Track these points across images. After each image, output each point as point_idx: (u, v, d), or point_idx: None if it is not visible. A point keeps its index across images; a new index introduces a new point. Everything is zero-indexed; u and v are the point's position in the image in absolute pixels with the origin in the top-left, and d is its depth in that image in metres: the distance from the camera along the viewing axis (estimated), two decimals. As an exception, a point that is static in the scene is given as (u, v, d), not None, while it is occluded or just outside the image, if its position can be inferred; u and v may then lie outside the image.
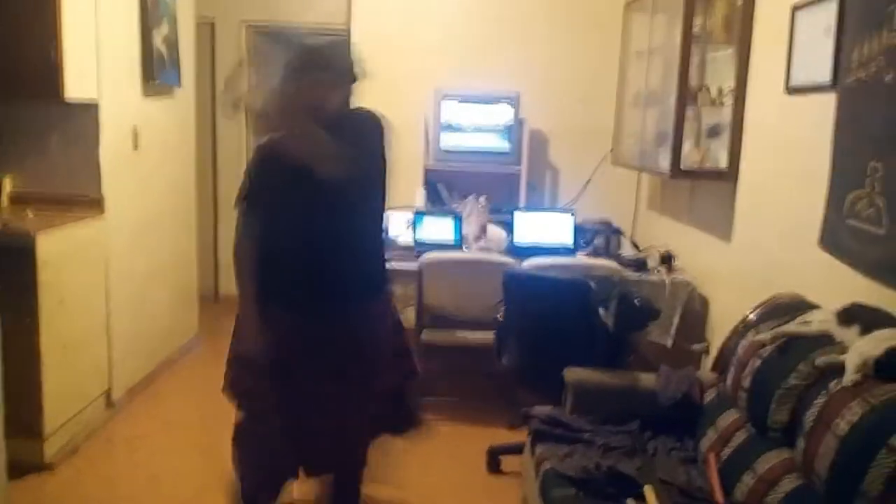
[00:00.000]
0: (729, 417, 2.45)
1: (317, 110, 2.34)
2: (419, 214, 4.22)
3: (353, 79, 2.48)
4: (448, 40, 5.19)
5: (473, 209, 4.34)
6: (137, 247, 4.08)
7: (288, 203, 2.41)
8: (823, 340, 2.16)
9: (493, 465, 3.43)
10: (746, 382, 2.35)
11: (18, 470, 3.01)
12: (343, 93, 2.46)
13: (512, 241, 4.21)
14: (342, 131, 2.31)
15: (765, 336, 2.35)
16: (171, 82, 4.41)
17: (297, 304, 2.44)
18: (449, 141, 4.87)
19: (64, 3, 3.26)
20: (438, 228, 4.18)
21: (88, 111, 3.60)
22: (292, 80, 2.36)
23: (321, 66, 2.42)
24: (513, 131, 4.86)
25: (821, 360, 2.05)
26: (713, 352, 3.25)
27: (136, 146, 4.04)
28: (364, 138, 2.41)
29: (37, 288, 3.13)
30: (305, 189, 2.31)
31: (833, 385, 1.95)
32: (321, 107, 2.37)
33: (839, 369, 1.95)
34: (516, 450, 3.17)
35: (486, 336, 3.69)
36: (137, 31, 4.00)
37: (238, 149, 5.88)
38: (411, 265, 3.86)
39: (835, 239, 2.58)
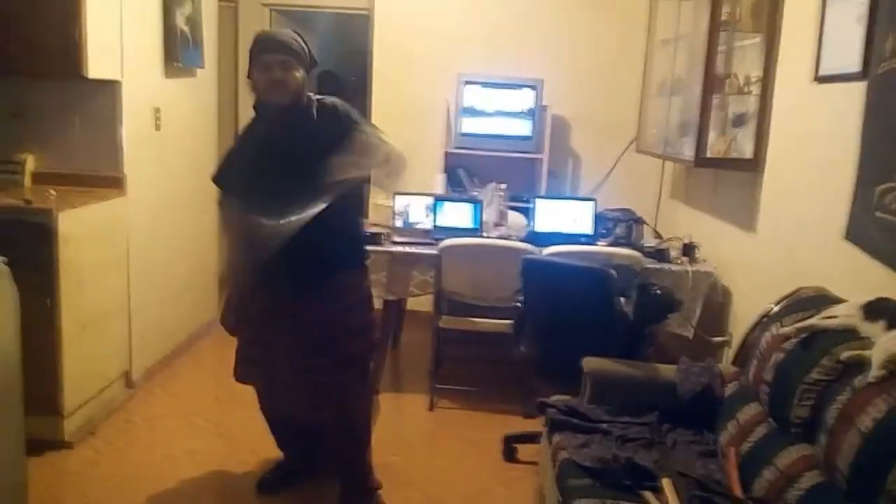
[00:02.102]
0: (750, 411, 2.42)
1: (274, 91, 2.54)
2: (439, 200, 4.20)
3: (312, 64, 2.65)
4: (471, 24, 5.14)
5: (494, 195, 4.31)
6: (158, 227, 4.10)
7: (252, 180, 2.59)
8: (848, 335, 2.11)
9: (509, 453, 3.42)
10: (768, 376, 2.32)
11: (38, 447, 3.05)
12: (301, 76, 2.58)
13: (532, 228, 4.18)
14: (305, 113, 2.58)
15: (788, 329, 2.31)
16: (193, 63, 4.40)
17: (270, 279, 2.61)
18: (470, 126, 4.83)
19: (87, -19, 3.26)
20: (458, 214, 4.15)
21: (110, 91, 3.61)
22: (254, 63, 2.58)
23: (273, 48, 2.56)
24: (535, 117, 4.82)
25: (845, 354, 2.02)
26: (735, 344, 3.22)
27: (157, 126, 4.04)
28: (328, 121, 2.58)
29: (58, 266, 3.14)
30: (267, 167, 2.55)
31: (857, 381, 1.91)
32: (281, 88, 2.54)
33: (864, 365, 1.91)
34: (533, 438, 3.16)
35: (504, 323, 3.68)
36: (160, 10, 3.99)
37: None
38: (430, 251, 3.85)
39: (862, 232, 2.53)
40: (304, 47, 2.60)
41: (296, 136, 2.58)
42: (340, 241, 2.68)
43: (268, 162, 2.58)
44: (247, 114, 5.94)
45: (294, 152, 2.54)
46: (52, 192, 3.40)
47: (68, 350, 3.22)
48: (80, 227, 3.30)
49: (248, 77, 2.62)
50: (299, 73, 2.56)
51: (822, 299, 2.48)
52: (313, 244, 2.45)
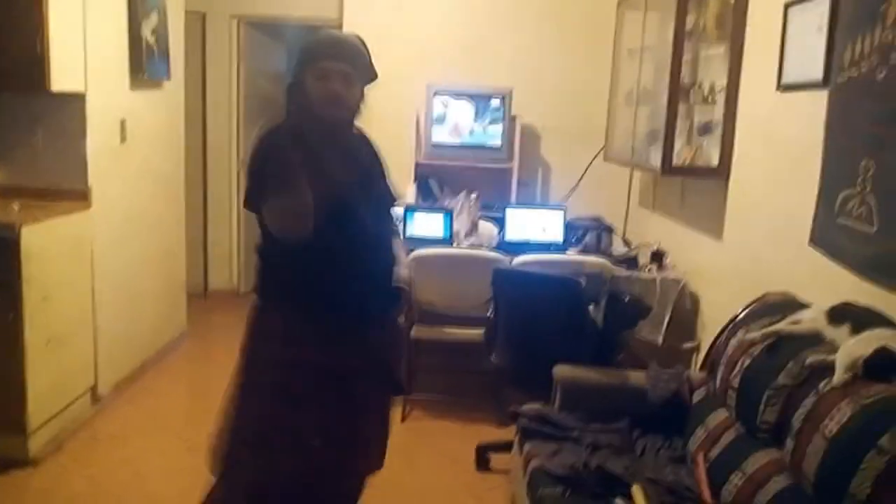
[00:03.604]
0: (718, 417, 2.44)
1: (332, 105, 2.14)
2: (409, 210, 4.19)
3: (372, 78, 2.30)
4: (440, 35, 5.16)
5: (465, 205, 4.32)
6: (124, 241, 4.04)
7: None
8: (813, 340, 2.14)
9: (483, 462, 3.42)
10: (735, 381, 2.34)
11: (2, 465, 3.01)
12: (360, 90, 2.23)
13: (503, 237, 4.19)
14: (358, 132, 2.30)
15: (754, 335, 2.34)
16: (159, 75, 4.37)
17: (343, 307, 2.20)
18: (440, 136, 4.84)
19: (50, -6, 3.23)
20: (429, 224, 4.15)
21: (75, 103, 3.56)
22: (306, 68, 2.15)
23: (335, 55, 2.17)
24: (504, 127, 4.84)
25: (810, 359, 2.04)
26: (703, 350, 3.24)
27: (123, 139, 4.00)
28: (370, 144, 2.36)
29: (21, 282, 3.09)
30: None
31: (823, 385, 1.93)
32: (341, 102, 2.15)
33: (829, 369, 1.94)
34: (505, 447, 3.16)
35: (476, 333, 3.68)
36: (125, 22, 3.95)
37: (229, 143, 5.85)
38: (401, 261, 3.83)
39: (826, 237, 2.57)
40: (368, 59, 2.28)
41: (359, 155, 2.30)
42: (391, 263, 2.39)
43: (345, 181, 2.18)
44: (217, 125, 5.90)
45: (361, 172, 2.26)
46: (16, 206, 3.34)
47: (32, 366, 3.17)
48: (44, 241, 3.25)
49: (294, 81, 2.18)
50: (360, 89, 2.22)
51: (788, 304, 2.51)
52: (387, 272, 2.32)
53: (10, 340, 3.09)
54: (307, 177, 2.00)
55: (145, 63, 4.10)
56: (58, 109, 3.56)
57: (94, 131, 3.66)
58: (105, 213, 3.78)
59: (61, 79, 3.33)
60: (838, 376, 1.88)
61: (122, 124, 3.98)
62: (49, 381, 3.31)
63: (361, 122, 2.34)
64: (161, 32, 4.31)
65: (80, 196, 3.62)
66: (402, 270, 2.40)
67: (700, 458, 2.35)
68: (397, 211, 4.01)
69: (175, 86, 4.67)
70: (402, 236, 3.28)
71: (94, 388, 3.76)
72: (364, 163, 2.30)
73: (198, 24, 5.57)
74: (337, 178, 2.11)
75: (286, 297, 2.21)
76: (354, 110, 2.23)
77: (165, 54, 4.39)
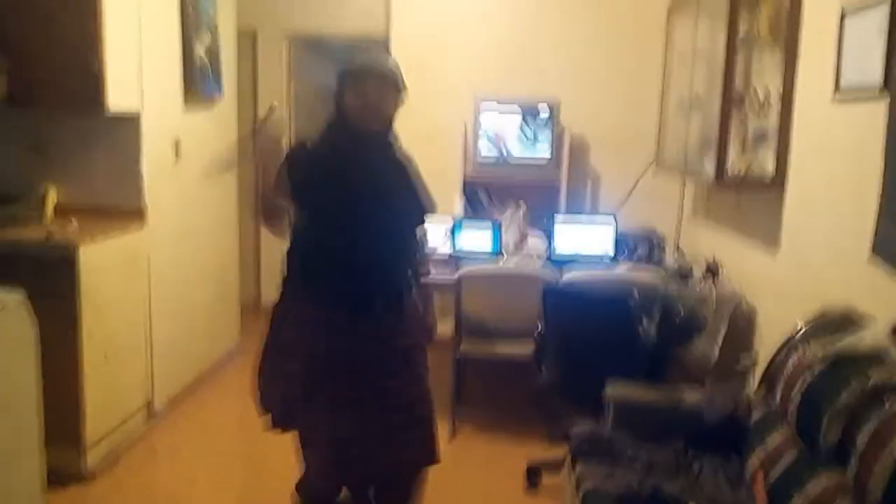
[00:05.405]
0: (778, 436, 2.36)
1: (368, 117, 2.50)
2: (458, 223, 4.18)
3: (403, 95, 2.60)
4: (487, 47, 5.15)
5: (513, 218, 4.29)
6: (179, 256, 4.12)
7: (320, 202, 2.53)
8: (877, 357, 2.06)
9: (533, 481, 3.37)
10: (796, 399, 2.26)
11: (59, 479, 3.05)
12: (393, 107, 2.57)
13: (552, 251, 4.14)
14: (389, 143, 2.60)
15: (815, 351, 2.26)
16: (212, 93, 4.44)
17: (329, 300, 2.53)
18: (487, 148, 4.82)
19: (106, 15, 3.31)
20: (477, 238, 4.13)
21: (131, 122, 3.65)
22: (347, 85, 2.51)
23: (372, 74, 2.53)
24: (553, 138, 4.80)
25: (875, 378, 1.96)
26: (761, 366, 3.15)
27: (177, 157, 4.08)
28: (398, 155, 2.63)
29: (79, 298, 3.17)
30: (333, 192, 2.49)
31: (888, 405, 1.85)
32: (376, 115, 2.52)
33: (894, 389, 1.86)
34: (556, 466, 3.11)
35: (526, 348, 3.64)
36: (179, 41, 4.03)
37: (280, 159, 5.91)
38: (449, 276, 3.82)
39: (889, 249, 2.47)
40: (401, 79, 2.58)
41: (381, 164, 2.59)
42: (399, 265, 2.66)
43: (355, 186, 2.53)
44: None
45: (381, 179, 2.56)
46: (75, 224, 3.43)
47: (90, 381, 3.23)
48: (101, 258, 3.32)
49: (337, 98, 2.55)
50: (393, 104, 2.57)
51: (850, 319, 2.42)
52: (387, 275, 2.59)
53: (69, 356, 3.16)
54: (314, 180, 2.49)
55: (198, 81, 4.18)
56: (114, 129, 3.65)
57: (149, 150, 3.74)
58: (160, 229, 3.85)
59: (117, 99, 3.41)
60: (906, 396, 1.80)
61: (177, 143, 4.06)
62: (107, 395, 3.38)
63: (408, 135, 2.70)
64: (213, 51, 4.39)
65: (135, 214, 3.70)
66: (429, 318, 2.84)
67: (760, 479, 2.28)
68: (435, 226, 4.04)
69: (227, 103, 4.74)
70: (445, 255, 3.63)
71: (150, 404, 3.83)
72: (384, 174, 2.56)
73: (249, 42, 5.67)
74: (340, 187, 2.48)
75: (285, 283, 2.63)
76: (387, 124, 2.57)
77: (218, 73, 4.47)
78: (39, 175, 3.68)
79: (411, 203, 2.62)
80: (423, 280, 2.79)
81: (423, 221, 2.71)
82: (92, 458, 3.29)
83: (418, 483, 2.77)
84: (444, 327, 4.29)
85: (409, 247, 2.69)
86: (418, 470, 2.72)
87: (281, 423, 2.67)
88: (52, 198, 3.66)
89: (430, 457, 2.68)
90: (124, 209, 3.69)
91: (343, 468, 2.58)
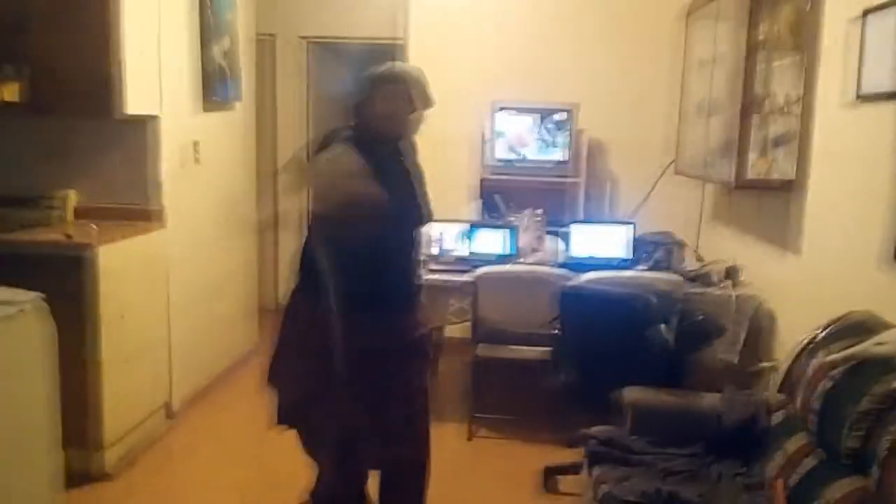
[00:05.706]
0: (798, 441, 2.33)
1: (395, 124, 2.56)
2: (473, 227, 4.17)
3: (431, 102, 2.64)
4: (504, 51, 5.14)
5: (530, 221, 4.28)
6: (198, 259, 4.14)
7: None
8: (899, 362, 2.03)
9: (550, 484, 3.35)
10: (816, 405, 2.23)
11: (77, 480, 3.08)
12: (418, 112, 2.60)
13: (569, 253, 4.12)
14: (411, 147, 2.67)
15: (836, 356, 2.23)
16: (231, 97, 4.47)
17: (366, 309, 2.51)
18: (504, 153, 4.81)
19: (125, 20, 3.35)
20: (493, 241, 4.13)
21: (149, 126, 3.68)
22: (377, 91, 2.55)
23: (401, 81, 2.58)
24: (570, 142, 4.78)
25: (897, 383, 1.94)
26: (781, 371, 3.11)
27: (196, 160, 4.10)
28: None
29: (98, 300, 3.19)
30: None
31: (911, 411, 1.83)
32: (403, 122, 2.57)
33: (918, 394, 1.83)
34: (573, 469, 3.09)
35: (541, 351, 3.62)
36: (197, 45, 4.06)
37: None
38: (466, 279, 3.81)
39: (912, 253, 2.44)
40: (427, 88, 2.63)
41: (408, 167, 2.67)
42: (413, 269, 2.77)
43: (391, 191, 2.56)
44: (286, 144, 6.02)
45: (409, 182, 2.64)
46: (94, 226, 3.46)
47: (109, 382, 3.26)
48: (120, 260, 3.35)
49: (362, 100, 2.56)
50: (419, 112, 2.61)
51: (871, 324, 2.39)
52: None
53: (88, 357, 3.18)
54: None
55: (217, 86, 4.21)
56: (133, 132, 3.68)
57: (167, 153, 3.76)
58: (179, 232, 3.87)
59: (136, 103, 3.45)
60: (928, 402, 1.77)
61: (195, 146, 4.08)
62: (124, 396, 3.40)
63: (425, 138, 2.74)
64: (232, 55, 4.42)
65: (154, 216, 3.72)
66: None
67: (779, 486, 2.25)
68: (451, 228, 4.05)
69: (246, 107, 4.77)
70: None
71: (167, 405, 3.85)
72: (410, 179, 2.63)
73: (268, 45, 5.70)
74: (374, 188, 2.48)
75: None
76: (412, 128, 2.62)
77: (236, 76, 4.50)
78: (60, 178, 3.72)
79: (425, 208, 2.69)
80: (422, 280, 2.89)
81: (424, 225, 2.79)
82: (110, 459, 3.31)
83: (424, 479, 2.80)
84: (455, 329, 4.31)
85: (419, 248, 2.80)
86: (417, 458, 2.75)
87: (287, 419, 2.71)
88: (71, 201, 3.70)
89: (423, 446, 2.75)
90: (143, 211, 3.71)
91: (362, 453, 2.64)
